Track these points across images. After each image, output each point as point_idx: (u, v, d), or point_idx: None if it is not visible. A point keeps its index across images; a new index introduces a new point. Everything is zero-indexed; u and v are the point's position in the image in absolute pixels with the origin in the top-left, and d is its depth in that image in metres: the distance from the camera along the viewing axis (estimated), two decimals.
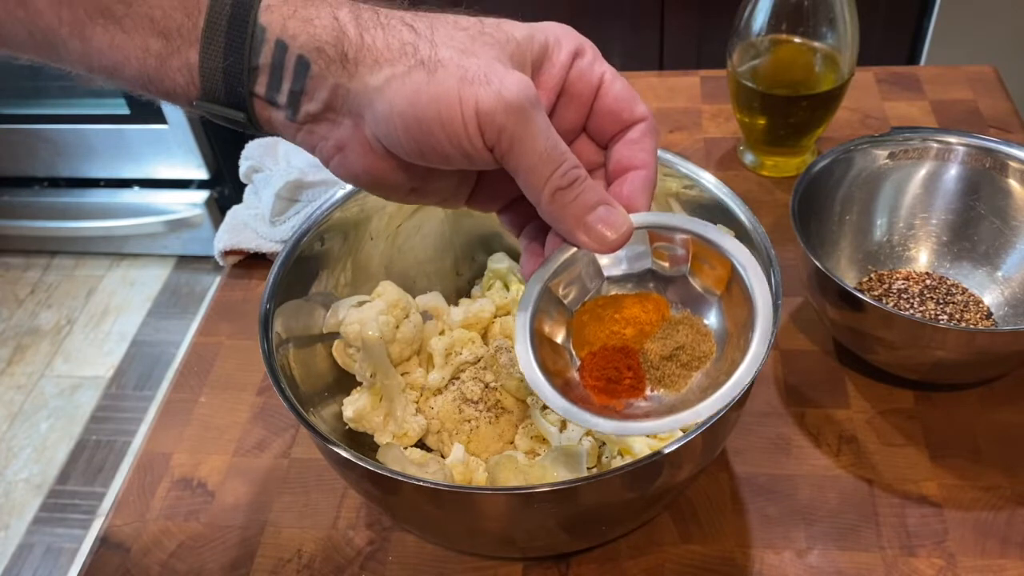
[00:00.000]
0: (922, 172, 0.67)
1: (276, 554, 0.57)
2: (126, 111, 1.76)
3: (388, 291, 0.58)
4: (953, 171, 0.66)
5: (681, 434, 0.44)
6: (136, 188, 1.92)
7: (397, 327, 0.56)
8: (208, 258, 1.97)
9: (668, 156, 0.57)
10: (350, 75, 0.35)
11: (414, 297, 0.61)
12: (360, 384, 0.58)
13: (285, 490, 0.60)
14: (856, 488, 0.57)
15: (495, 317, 0.62)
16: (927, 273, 0.67)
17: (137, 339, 1.86)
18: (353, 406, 0.56)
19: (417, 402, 0.59)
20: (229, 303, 0.75)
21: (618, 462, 0.53)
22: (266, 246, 0.77)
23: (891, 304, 0.65)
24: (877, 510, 0.55)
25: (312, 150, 0.39)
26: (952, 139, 0.65)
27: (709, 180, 0.56)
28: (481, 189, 0.43)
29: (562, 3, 1.51)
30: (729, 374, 0.38)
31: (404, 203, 0.43)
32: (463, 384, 0.58)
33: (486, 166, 0.37)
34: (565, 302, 0.43)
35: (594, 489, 0.44)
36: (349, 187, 0.57)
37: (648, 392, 0.42)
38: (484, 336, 0.62)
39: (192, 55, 0.35)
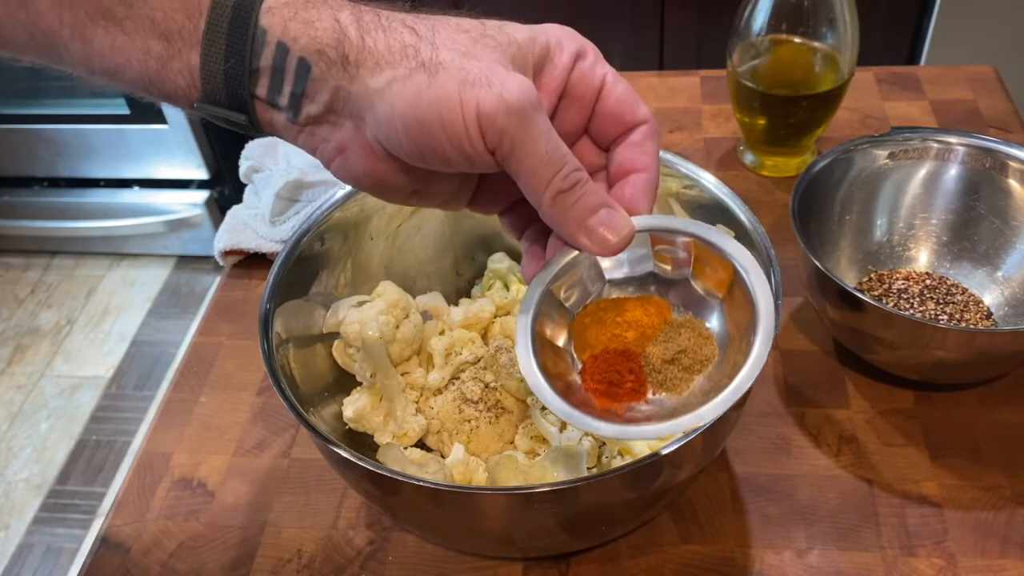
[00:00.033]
0: (922, 172, 0.67)
1: (276, 554, 0.57)
2: (126, 111, 1.76)
3: (388, 291, 0.58)
4: (953, 171, 0.66)
5: (682, 435, 0.44)
6: (136, 188, 1.92)
7: (397, 327, 0.56)
8: (208, 258, 1.97)
9: (668, 156, 0.57)
10: (351, 77, 0.35)
11: (414, 297, 0.61)
12: (360, 384, 0.58)
13: (285, 490, 0.60)
14: (856, 488, 0.57)
15: (495, 317, 0.62)
16: (927, 273, 0.67)
17: (137, 339, 1.86)
18: (353, 406, 0.56)
19: (417, 402, 0.59)
20: (229, 303, 0.75)
21: (618, 462, 0.53)
22: (266, 246, 0.77)
23: (891, 304, 0.65)
24: (877, 510, 0.55)
25: (313, 152, 0.39)
26: (952, 139, 0.65)
27: (709, 180, 0.56)
28: (483, 192, 0.43)
29: (562, 3, 1.51)
30: (731, 377, 0.38)
31: (406, 205, 0.43)
32: (463, 384, 0.58)
33: (487, 169, 0.37)
34: (567, 305, 0.43)
35: (594, 489, 0.44)
36: (349, 187, 0.57)
37: (650, 395, 0.42)
38: (484, 336, 0.62)
39: (193, 57, 0.35)
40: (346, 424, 0.57)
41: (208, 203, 1.87)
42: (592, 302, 0.44)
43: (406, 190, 0.40)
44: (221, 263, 0.79)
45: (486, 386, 0.58)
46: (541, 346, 0.41)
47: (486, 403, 0.57)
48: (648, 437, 0.42)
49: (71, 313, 1.93)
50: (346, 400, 0.57)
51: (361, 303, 0.57)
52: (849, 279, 0.67)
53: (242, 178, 0.83)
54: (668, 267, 0.44)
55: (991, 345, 0.55)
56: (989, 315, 0.64)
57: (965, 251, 0.67)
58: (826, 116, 0.77)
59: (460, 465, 0.55)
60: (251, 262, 0.79)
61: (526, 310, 0.41)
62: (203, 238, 1.92)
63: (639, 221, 0.40)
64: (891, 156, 0.66)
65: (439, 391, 0.59)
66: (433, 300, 0.61)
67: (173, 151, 1.80)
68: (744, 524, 0.55)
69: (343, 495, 0.60)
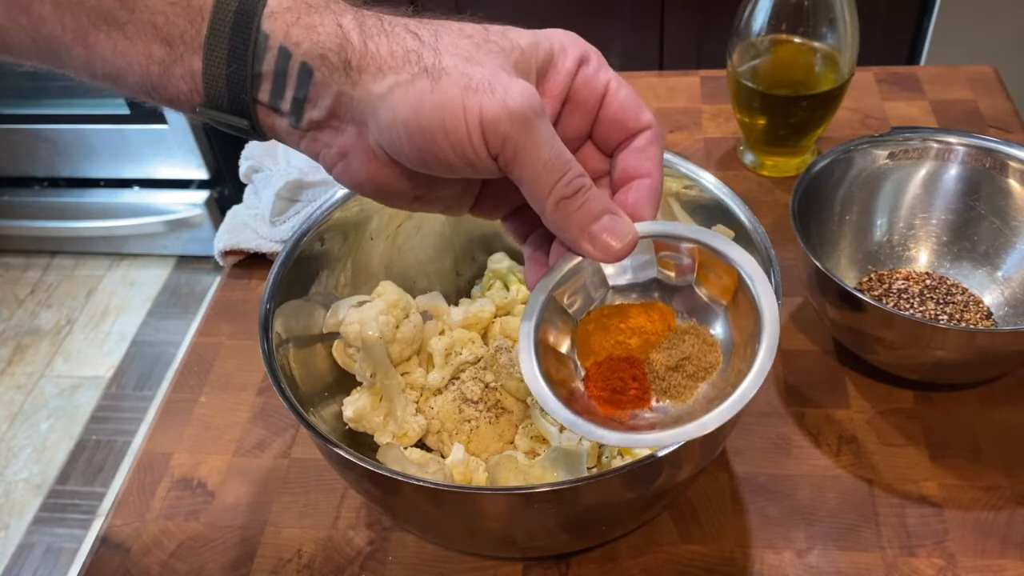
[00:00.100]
0: (922, 172, 0.67)
1: (276, 554, 0.57)
2: (126, 111, 1.76)
3: (388, 291, 0.58)
4: (953, 171, 0.66)
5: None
6: (136, 188, 1.92)
7: (397, 327, 0.56)
8: (208, 258, 1.97)
9: (668, 156, 0.57)
10: (353, 82, 0.35)
11: (414, 297, 0.61)
12: (360, 384, 0.58)
13: (285, 490, 0.60)
14: (856, 488, 0.57)
15: (495, 317, 0.62)
16: (927, 273, 0.67)
17: (137, 339, 1.86)
18: (353, 406, 0.56)
19: (417, 402, 0.59)
20: (229, 303, 0.75)
21: (618, 462, 0.53)
22: (266, 246, 0.77)
23: (891, 304, 0.65)
24: (877, 510, 0.55)
25: (315, 157, 0.39)
26: (952, 139, 0.65)
27: (709, 180, 0.56)
28: (485, 197, 0.43)
29: (562, 3, 1.51)
30: (735, 385, 0.38)
31: (408, 210, 0.43)
32: (463, 384, 0.58)
33: (490, 175, 0.37)
34: (570, 311, 0.43)
35: (594, 489, 0.44)
36: None
37: (653, 403, 0.41)
38: (484, 336, 0.62)
39: (195, 62, 0.35)
40: (346, 424, 0.57)
41: (208, 203, 1.87)
42: (595, 308, 0.44)
43: (408, 195, 0.40)
44: (221, 263, 0.79)
45: (486, 386, 0.58)
46: (544, 353, 0.41)
47: (486, 403, 0.57)
48: (652, 446, 0.42)
49: (71, 313, 1.93)
50: (346, 400, 0.57)
51: (361, 303, 0.57)
52: (849, 279, 0.67)
53: (242, 178, 0.83)
54: (672, 273, 0.43)
55: (991, 345, 0.55)
56: (989, 315, 0.64)
57: (965, 251, 0.67)
58: (826, 116, 0.77)
59: (460, 465, 0.55)
60: (251, 262, 0.79)
61: (529, 316, 0.41)
62: (203, 238, 1.92)
63: (642, 227, 0.39)
64: (891, 156, 0.66)
65: (439, 391, 0.59)
66: (433, 300, 0.61)
67: (173, 151, 1.80)
68: (744, 524, 0.55)
69: (343, 495, 0.60)
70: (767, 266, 0.50)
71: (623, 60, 1.55)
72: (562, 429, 0.55)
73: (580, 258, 0.40)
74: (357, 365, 0.56)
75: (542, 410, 0.56)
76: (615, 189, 0.41)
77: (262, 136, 0.38)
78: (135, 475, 0.63)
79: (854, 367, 0.64)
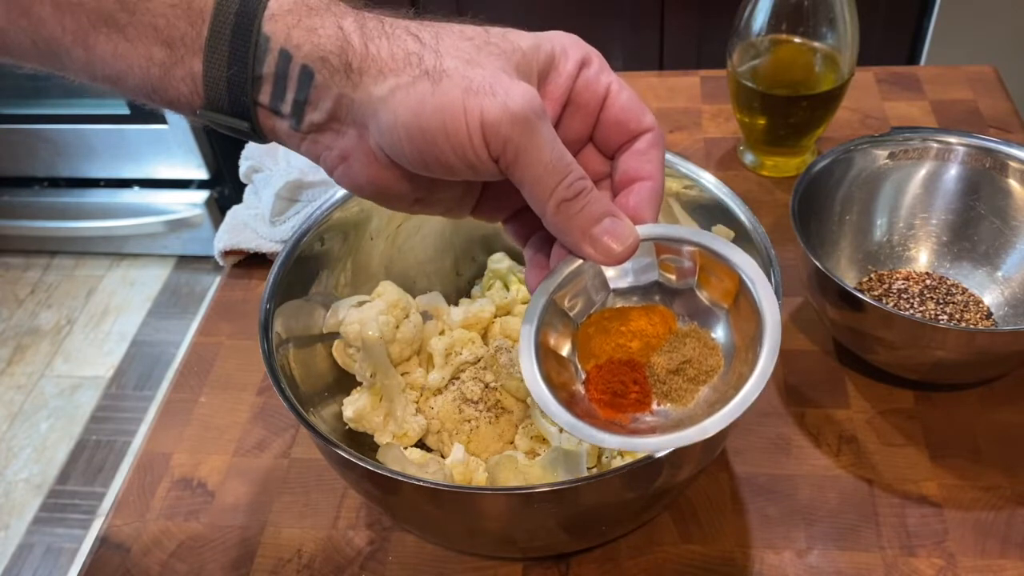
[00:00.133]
0: (922, 172, 0.67)
1: (276, 554, 0.57)
2: (126, 111, 1.76)
3: (388, 291, 0.58)
4: (953, 171, 0.66)
5: None
6: (136, 188, 1.92)
7: (397, 327, 0.56)
8: (208, 258, 1.97)
9: (668, 156, 0.57)
10: (354, 85, 0.35)
11: (414, 297, 0.61)
12: (360, 384, 0.58)
13: (285, 490, 0.60)
14: (856, 488, 0.57)
15: (495, 317, 0.62)
16: (927, 273, 0.67)
17: (137, 339, 1.86)
18: (353, 406, 0.56)
19: (417, 402, 0.59)
20: (229, 303, 0.75)
21: (618, 462, 0.53)
22: (266, 246, 0.77)
23: (891, 304, 0.65)
24: (877, 510, 0.55)
25: (316, 160, 0.38)
26: (952, 139, 0.65)
27: (709, 180, 0.56)
28: (486, 200, 0.43)
29: (562, 3, 1.51)
30: (736, 388, 0.38)
31: (409, 213, 0.43)
32: (463, 384, 0.58)
33: (491, 177, 0.37)
34: (571, 314, 0.43)
35: (594, 489, 0.44)
36: None
37: (654, 406, 0.41)
38: (484, 336, 0.62)
39: (196, 64, 0.35)
40: (346, 424, 0.57)
41: (208, 203, 1.87)
42: (596, 312, 0.43)
43: (409, 198, 0.40)
44: (221, 263, 0.79)
45: (486, 386, 0.58)
46: (545, 356, 0.41)
47: (486, 403, 0.57)
48: (652, 450, 0.42)
49: (71, 313, 1.93)
50: (346, 400, 0.57)
51: (361, 303, 0.57)
52: (849, 279, 0.67)
53: (242, 178, 0.83)
54: (673, 276, 0.43)
55: (991, 345, 0.55)
56: (989, 315, 0.64)
57: (965, 251, 0.67)
58: (826, 116, 0.77)
59: (460, 465, 0.55)
60: (251, 262, 0.79)
61: (530, 319, 0.41)
62: (203, 238, 1.92)
63: (644, 230, 0.39)
64: (891, 156, 0.66)
65: (439, 391, 0.59)
66: (433, 300, 0.61)
67: (173, 151, 1.80)
68: (744, 524, 0.55)
69: (343, 495, 0.60)
70: (767, 266, 0.50)
71: (623, 60, 1.55)
72: (562, 430, 0.55)
73: (581, 261, 0.40)
74: (357, 365, 0.56)
75: (542, 411, 0.56)
76: (616, 192, 0.41)
77: (263, 139, 0.38)
78: (135, 475, 0.63)
79: (854, 367, 0.64)
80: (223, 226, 0.79)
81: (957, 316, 0.64)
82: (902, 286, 0.66)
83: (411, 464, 0.51)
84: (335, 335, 0.57)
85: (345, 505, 0.59)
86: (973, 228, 0.66)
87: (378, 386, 0.56)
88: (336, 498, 0.59)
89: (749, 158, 0.83)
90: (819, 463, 0.58)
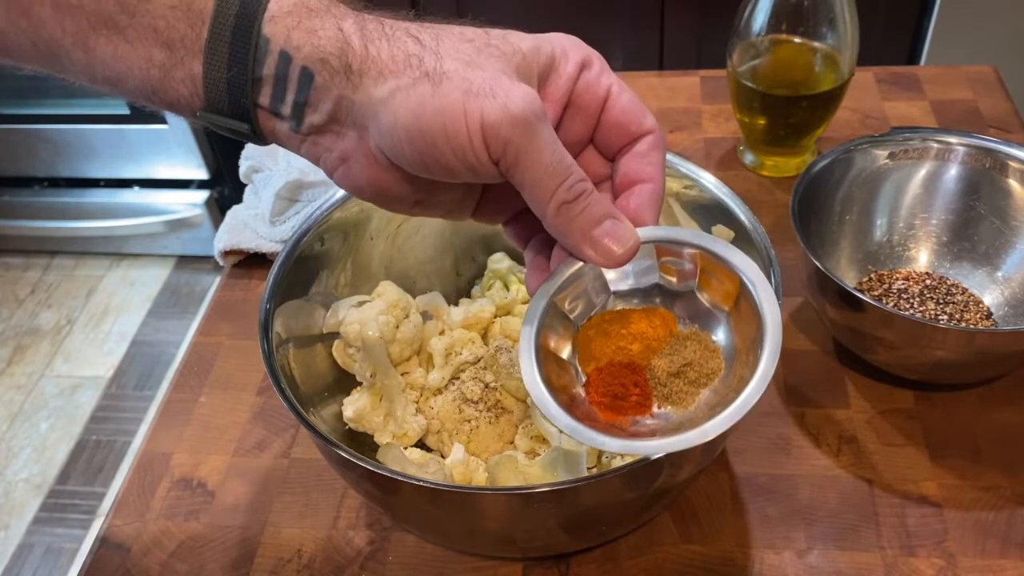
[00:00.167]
0: (922, 172, 0.67)
1: (276, 554, 0.57)
2: (126, 111, 1.77)
3: (388, 291, 0.58)
4: (953, 171, 0.66)
5: None
6: (136, 188, 1.92)
7: (397, 327, 0.56)
8: (208, 258, 1.97)
9: (668, 156, 0.57)
10: (354, 87, 0.35)
11: (414, 297, 0.61)
12: (360, 384, 0.58)
13: (285, 490, 0.60)
14: (856, 488, 0.57)
15: (495, 317, 0.62)
16: (927, 273, 0.67)
17: (137, 339, 1.86)
18: (353, 406, 0.56)
19: (417, 402, 0.59)
20: (229, 303, 0.75)
21: (618, 462, 0.53)
22: (266, 246, 0.77)
23: (891, 304, 0.65)
24: (877, 510, 0.55)
25: (316, 161, 0.38)
26: (952, 139, 0.65)
27: (709, 180, 0.56)
28: (486, 202, 0.43)
29: (562, 4, 1.51)
30: (737, 391, 0.38)
31: (409, 215, 0.43)
32: (463, 384, 0.58)
33: (491, 179, 0.37)
34: (571, 317, 0.43)
35: (594, 489, 0.44)
36: None
37: (655, 409, 0.41)
38: (484, 336, 0.62)
39: (196, 66, 0.35)
40: (346, 424, 0.57)
41: (208, 203, 1.87)
42: (597, 314, 0.43)
43: (409, 200, 0.40)
44: (221, 263, 0.79)
45: (486, 386, 0.58)
46: (545, 358, 0.41)
47: (486, 403, 0.57)
48: (653, 453, 0.42)
49: (71, 313, 1.93)
50: (346, 400, 0.57)
51: (361, 303, 0.57)
52: (849, 279, 0.67)
53: (242, 178, 0.83)
54: (674, 279, 0.43)
55: (991, 345, 0.55)
56: (989, 315, 0.64)
57: (965, 251, 0.67)
58: (826, 116, 0.77)
59: (460, 465, 0.55)
60: (251, 262, 0.79)
61: (530, 322, 0.41)
62: (203, 238, 1.92)
63: (644, 232, 0.39)
64: (891, 156, 0.66)
65: (439, 391, 0.59)
66: (433, 300, 0.61)
67: (173, 151, 1.80)
68: (744, 524, 0.55)
69: (343, 495, 0.60)
70: (767, 266, 0.50)
71: (623, 60, 1.55)
72: (562, 431, 0.55)
73: (581, 263, 0.40)
74: (357, 365, 0.56)
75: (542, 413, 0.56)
76: (617, 194, 0.41)
77: (263, 140, 0.38)
78: (135, 475, 0.63)
79: (854, 367, 0.64)
80: (223, 226, 0.79)
81: (957, 316, 0.64)
82: (902, 286, 0.66)
83: (411, 464, 0.51)
84: (335, 335, 0.57)
85: (345, 505, 0.59)
86: (973, 228, 0.66)
87: (378, 386, 0.56)
88: (336, 498, 0.59)
89: (749, 158, 0.83)
90: (819, 463, 0.58)
